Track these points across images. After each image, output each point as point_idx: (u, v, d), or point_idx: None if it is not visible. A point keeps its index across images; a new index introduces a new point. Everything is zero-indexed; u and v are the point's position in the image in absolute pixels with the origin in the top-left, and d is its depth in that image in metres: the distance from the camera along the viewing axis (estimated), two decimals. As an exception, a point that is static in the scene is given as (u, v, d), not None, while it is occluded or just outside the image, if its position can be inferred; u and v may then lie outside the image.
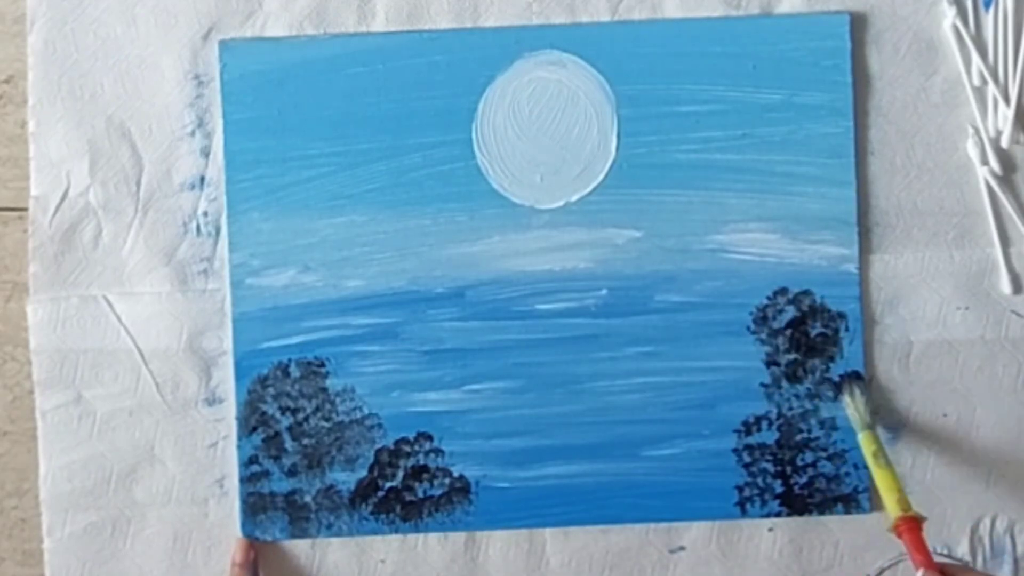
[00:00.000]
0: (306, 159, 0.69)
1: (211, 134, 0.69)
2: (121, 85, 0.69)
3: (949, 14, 0.69)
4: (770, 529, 0.69)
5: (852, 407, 0.67)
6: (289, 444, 0.69)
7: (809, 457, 0.69)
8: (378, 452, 0.69)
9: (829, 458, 0.69)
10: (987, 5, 0.69)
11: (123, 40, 0.69)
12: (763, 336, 0.69)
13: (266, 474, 0.69)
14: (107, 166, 0.69)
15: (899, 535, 0.62)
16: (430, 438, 0.69)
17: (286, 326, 0.69)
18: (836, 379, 0.68)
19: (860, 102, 0.69)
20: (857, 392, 0.67)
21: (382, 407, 0.69)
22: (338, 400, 0.69)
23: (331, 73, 0.69)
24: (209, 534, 0.69)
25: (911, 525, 0.61)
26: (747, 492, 0.69)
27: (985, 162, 0.69)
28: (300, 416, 0.69)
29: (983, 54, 0.69)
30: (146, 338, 0.69)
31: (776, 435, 0.69)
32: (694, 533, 0.69)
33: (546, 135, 0.69)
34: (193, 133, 0.69)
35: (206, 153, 0.69)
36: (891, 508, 0.62)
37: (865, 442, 0.66)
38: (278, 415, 0.69)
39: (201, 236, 0.69)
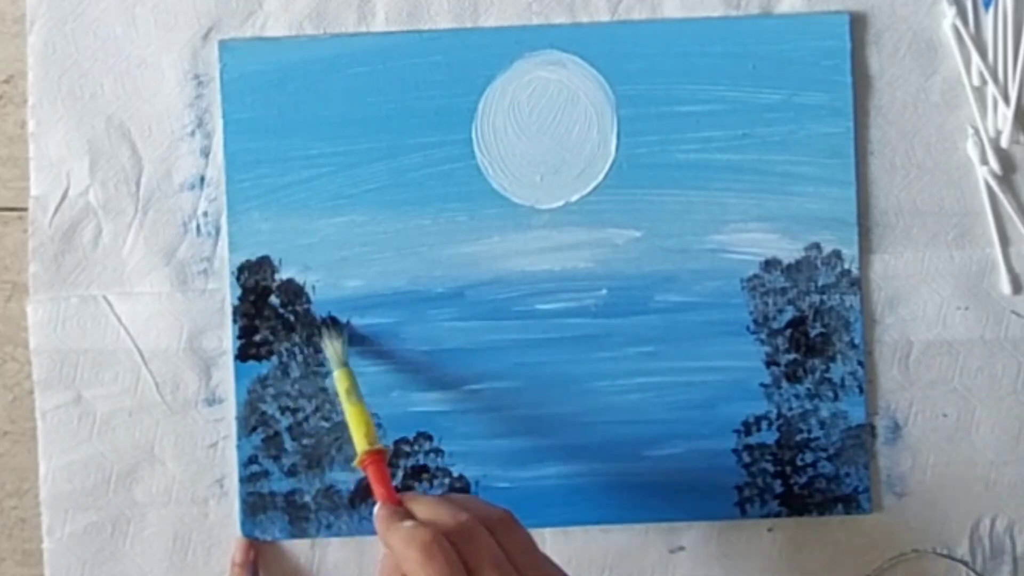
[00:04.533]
0: (306, 159, 0.69)
1: (211, 134, 0.69)
2: (121, 85, 0.69)
3: (949, 14, 0.69)
4: (770, 529, 0.69)
5: (330, 348, 0.67)
6: (289, 444, 0.69)
7: (809, 457, 0.69)
8: (378, 452, 0.69)
9: (829, 458, 0.69)
10: (987, 5, 0.69)
11: (123, 40, 0.69)
12: (763, 336, 0.69)
13: (266, 474, 0.69)
14: (107, 166, 0.69)
15: (364, 468, 0.62)
16: (430, 438, 0.69)
17: (286, 326, 0.69)
18: (319, 323, 0.68)
19: (860, 102, 0.69)
20: (334, 334, 0.67)
21: (382, 407, 0.69)
22: (338, 400, 0.69)
23: (331, 73, 0.69)
24: (209, 534, 0.69)
25: (375, 458, 0.62)
26: (747, 492, 0.69)
27: (985, 162, 0.69)
28: (300, 416, 0.69)
29: (983, 54, 0.69)
30: (146, 338, 0.69)
31: (776, 435, 0.69)
32: (694, 533, 0.69)
33: (546, 135, 0.69)
34: (193, 133, 0.69)
35: (206, 153, 0.69)
36: (359, 442, 0.63)
37: (340, 379, 0.65)
38: (278, 415, 0.69)
39: (201, 236, 0.69)
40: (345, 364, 0.66)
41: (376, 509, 0.59)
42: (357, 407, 0.64)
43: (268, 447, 0.69)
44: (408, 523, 0.56)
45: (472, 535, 0.55)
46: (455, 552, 0.54)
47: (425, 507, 0.58)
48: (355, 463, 0.62)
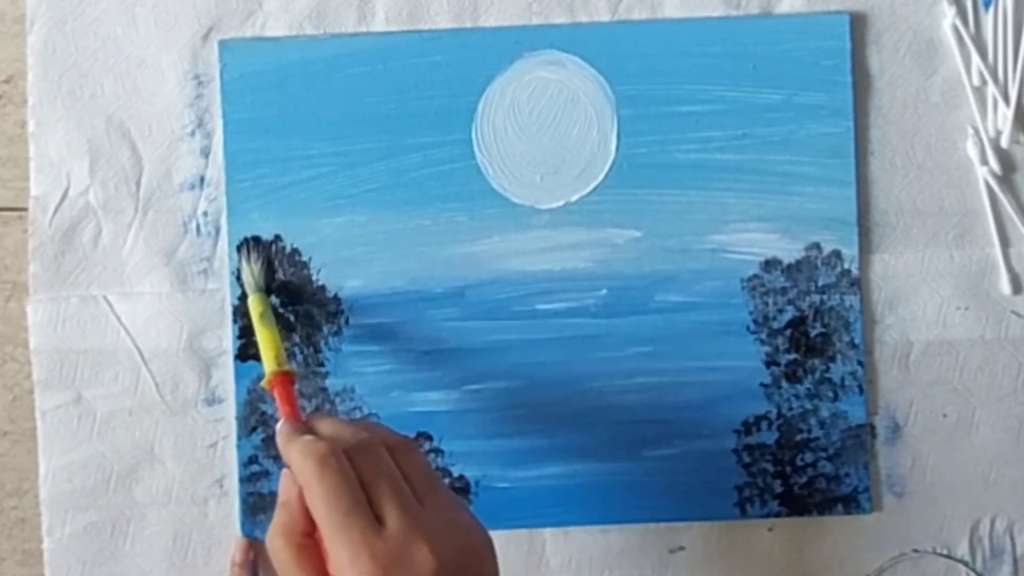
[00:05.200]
0: (306, 159, 0.69)
1: (211, 134, 0.69)
2: (121, 85, 0.69)
3: (949, 14, 0.69)
4: (770, 529, 0.69)
5: (248, 271, 0.67)
6: (289, 444, 0.69)
7: (809, 457, 0.69)
8: (378, 452, 0.69)
9: (829, 458, 0.69)
10: (987, 5, 0.69)
11: (123, 40, 0.69)
12: (763, 336, 0.69)
13: (266, 474, 0.69)
14: (107, 166, 0.69)
15: (271, 387, 0.62)
16: (430, 438, 0.69)
17: (286, 326, 0.69)
18: (239, 244, 0.68)
19: (860, 102, 0.69)
20: (254, 256, 0.68)
21: (382, 407, 0.69)
22: (338, 400, 0.69)
23: (331, 73, 0.69)
24: (209, 534, 0.69)
25: (283, 379, 0.62)
26: (747, 492, 0.69)
27: (985, 162, 0.69)
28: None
29: (983, 54, 0.69)
30: (146, 338, 0.69)
31: (776, 435, 0.69)
32: (694, 533, 0.69)
33: (546, 135, 0.69)
34: (193, 133, 0.69)
35: (206, 153, 0.69)
36: (268, 363, 0.63)
37: (254, 303, 0.66)
38: (278, 415, 0.69)
39: (201, 236, 0.69)
40: (261, 289, 0.67)
41: (279, 425, 0.60)
42: (269, 330, 0.65)
43: (268, 447, 0.69)
44: (308, 437, 0.57)
45: (369, 451, 0.56)
46: (351, 465, 0.55)
47: (327, 425, 0.59)
48: (263, 383, 0.63)
